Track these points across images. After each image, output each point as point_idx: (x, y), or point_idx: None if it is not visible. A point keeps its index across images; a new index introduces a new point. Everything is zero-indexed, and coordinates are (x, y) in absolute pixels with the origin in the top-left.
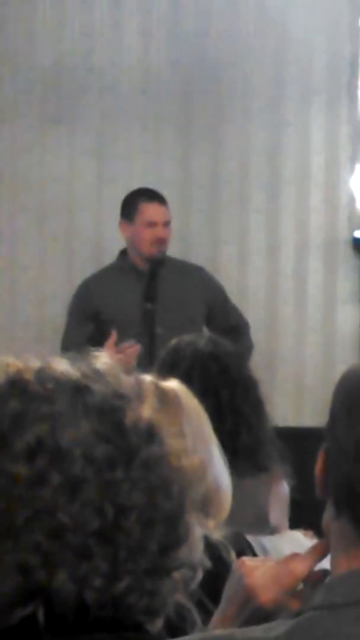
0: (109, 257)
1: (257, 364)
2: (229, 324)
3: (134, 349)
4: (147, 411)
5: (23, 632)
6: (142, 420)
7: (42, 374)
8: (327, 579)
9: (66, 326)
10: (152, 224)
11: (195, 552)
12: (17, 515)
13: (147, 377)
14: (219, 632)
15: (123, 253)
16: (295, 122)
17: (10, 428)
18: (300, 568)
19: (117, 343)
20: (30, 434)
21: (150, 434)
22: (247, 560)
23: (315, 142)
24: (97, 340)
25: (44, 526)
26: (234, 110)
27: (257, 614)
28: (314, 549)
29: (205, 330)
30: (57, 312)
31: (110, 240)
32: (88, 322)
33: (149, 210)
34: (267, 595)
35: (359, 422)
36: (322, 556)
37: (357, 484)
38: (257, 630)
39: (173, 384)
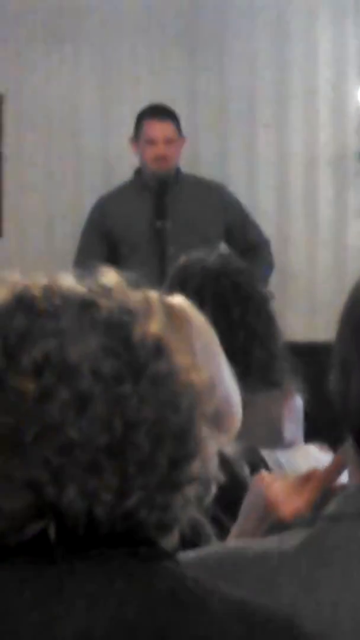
0: (117, 175)
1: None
2: (248, 242)
3: None
4: (154, 326)
5: (35, 548)
6: (150, 335)
7: (49, 291)
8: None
9: (79, 245)
10: (151, 142)
11: (209, 467)
12: (26, 431)
13: (154, 293)
14: (235, 543)
15: (138, 172)
16: (302, 36)
17: (17, 344)
18: (319, 482)
19: (127, 262)
20: (37, 349)
21: (158, 349)
22: (266, 475)
23: (323, 56)
24: (110, 259)
25: (52, 442)
26: (240, 25)
27: (277, 527)
28: (332, 463)
29: (220, 248)
30: (66, 231)
31: (117, 158)
32: (101, 241)
33: (148, 128)
34: (286, 508)
35: None
36: (340, 470)
37: None
38: (272, 541)
39: (179, 299)
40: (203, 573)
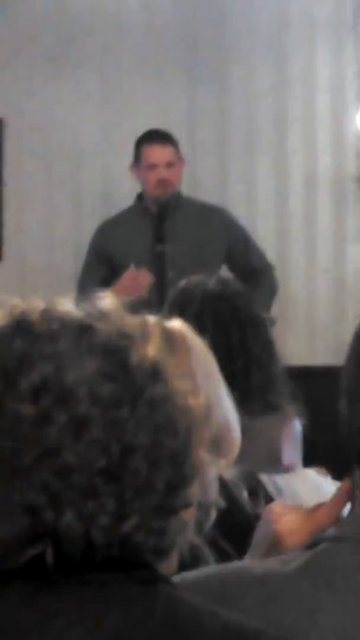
0: (117, 200)
1: None
2: (250, 266)
3: (144, 276)
4: (152, 351)
5: (32, 572)
6: (147, 359)
7: (47, 314)
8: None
9: (82, 269)
10: (152, 166)
11: (209, 492)
12: (24, 455)
13: (153, 318)
14: (238, 563)
15: (139, 197)
16: (301, 61)
17: (15, 368)
18: (326, 515)
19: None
20: (35, 373)
21: (156, 373)
22: (275, 507)
23: (321, 80)
24: (111, 283)
25: (50, 466)
26: (239, 51)
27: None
28: (337, 494)
29: (221, 272)
30: (65, 256)
31: (117, 183)
32: (102, 266)
33: (149, 152)
34: (293, 541)
35: None
36: (346, 500)
37: None
38: (274, 562)
39: (177, 324)
40: (204, 594)
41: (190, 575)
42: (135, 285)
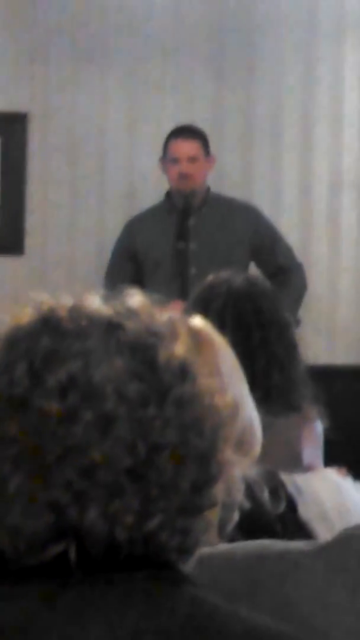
0: (141, 196)
1: None
2: (278, 265)
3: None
4: (180, 349)
5: (55, 569)
6: (175, 358)
7: (75, 312)
8: None
9: (108, 264)
10: (175, 160)
11: (233, 491)
12: (49, 452)
13: (180, 316)
14: (265, 540)
15: (168, 194)
16: (328, 58)
17: (42, 365)
18: None
19: (150, 283)
20: (62, 371)
21: (183, 371)
22: None
23: (349, 79)
24: (136, 278)
25: (75, 463)
26: (267, 48)
27: None
28: None
29: (249, 270)
30: (89, 251)
31: (141, 179)
32: (127, 262)
33: (173, 146)
34: None
35: None
36: None
37: None
38: (301, 543)
39: (199, 322)
40: (228, 564)
41: (221, 547)
42: None
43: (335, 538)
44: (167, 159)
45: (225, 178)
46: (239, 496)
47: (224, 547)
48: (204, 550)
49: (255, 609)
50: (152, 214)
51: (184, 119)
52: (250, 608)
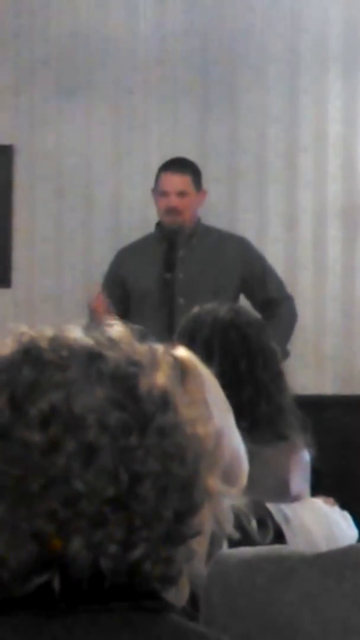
0: (127, 228)
1: None
2: (268, 297)
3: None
4: (161, 379)
5: (39, 599)
6: (156, 387)
7: (56, 342)
8: None
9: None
10: (164, 193)
11: (222, 522)
12: (32, 482)
13: (161, 346)
14: (277, 546)
15: (158, 224)
16: (312, 90)
17: (24, 396)
18: None
19: (138, 313)
20: (44, 401)
21: (165, 401)
22: None
23: (332, 109)
24: (124, 308)
25: (58, 494)
26: (251, 79)
27: None
28: None
29: (239, 301)
30: (76, 283)
31: (127, 211)
32: (117, 291)
33: (162, 179)
34: None
35: None
36: None
37: None
38: (308, 551)
39: (183, 352)
40: (237, 562)
41: (238, 549)
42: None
43: (338, 549)
44: (157, 191)
45: (211, 209)
46: (229, 527)
47: (240, 548)
48: (225, 552)
49: (246, 607)
50: (142, 243)
51: (168, 151)
52: (243, 606)
